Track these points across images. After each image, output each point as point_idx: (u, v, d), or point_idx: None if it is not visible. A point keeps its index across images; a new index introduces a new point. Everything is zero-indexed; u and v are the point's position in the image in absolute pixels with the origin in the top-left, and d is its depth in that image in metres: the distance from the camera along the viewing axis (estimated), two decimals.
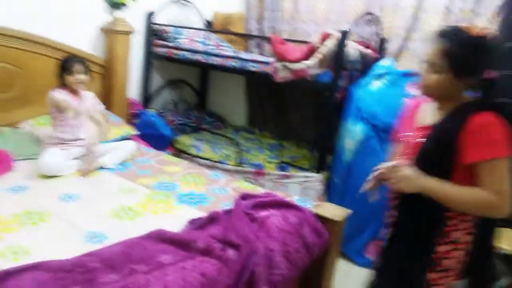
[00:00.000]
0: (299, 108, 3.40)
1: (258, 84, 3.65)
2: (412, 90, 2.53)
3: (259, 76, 2.87)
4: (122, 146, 2.49)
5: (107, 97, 3.03)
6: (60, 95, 2.23)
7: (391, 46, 2.94)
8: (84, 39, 2.90)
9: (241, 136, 3.64)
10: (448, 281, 1.30)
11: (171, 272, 1.35)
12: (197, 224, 1.69)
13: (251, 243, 1.53)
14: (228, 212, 1.79)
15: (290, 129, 3.53)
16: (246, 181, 2.80)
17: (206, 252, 1.48)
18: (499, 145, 1.16)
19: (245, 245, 1.50)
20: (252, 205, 1.89)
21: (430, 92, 1.28)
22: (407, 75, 2.65)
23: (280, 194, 2.18)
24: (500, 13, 2.45)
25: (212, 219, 1.72)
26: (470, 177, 1.20)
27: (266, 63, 2.70)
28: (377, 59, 2.82)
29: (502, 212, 1.18)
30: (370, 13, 2.90)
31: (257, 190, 2.26)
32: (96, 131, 2.37)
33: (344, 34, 2.39)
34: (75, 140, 2.34)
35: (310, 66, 2.44)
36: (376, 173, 1.35)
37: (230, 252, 1.49)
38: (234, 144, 3.08)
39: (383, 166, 1.31)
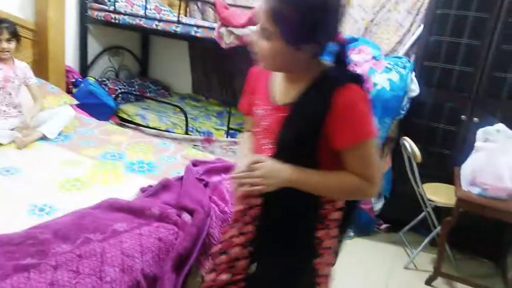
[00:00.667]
0: (244, 74, 3.40)
1: (202, 50, 3.59)
2: (353, 55, 2.63)
3: (203, 42, 2.82)
4: (58, 112, 2.37)
5: (41, 64, 2.83)
6: None
7: None
8: (11, 0, 2.66)
9: (187, 104, 3.59)
10: (329, 259, 1.14)
11: (127, 239, 1.35)
12: (150, 192, 1.69)
13: (205, 208, 1.56)
14: (180, 179, 1.80)
15: (238, 96, 3.54)
16: (196, 149, 2.81)
17: (162, 218, 1.49)
18: (368, 125, 0.99)
19: (200, 209, 1.53)
20: (204, 171, 1.91)
21: (268, 63, 1.02)
22: (347, 41, 2.74)
23: (230, 160, 2.21)
24: None
25: (164, 186, 1.72)
26: (337, 161, 1.01)
27: (211, 28, 2.65)
28: None
29: (372, 196, 1.11)
30: None
31: (208, 156, 2.28)
32: (31, 106, 2.25)
33: None
34: (3, 106, 2.20)
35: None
36: (235, 182, 1.07)
37: (186, 217, 1.52)
38: (181, 112, 3.04)
39: (238, 171, 1.05)
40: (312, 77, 1.01)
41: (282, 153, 1.03)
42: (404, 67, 2.51)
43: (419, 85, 2.49)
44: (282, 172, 0.99)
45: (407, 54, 2.79)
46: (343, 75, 1.00)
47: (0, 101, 2.19)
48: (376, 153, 1.02)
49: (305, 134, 1.00)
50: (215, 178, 1.87)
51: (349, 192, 1.04)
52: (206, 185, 1.78)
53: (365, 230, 2.72)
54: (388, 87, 2.44)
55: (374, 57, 2.59)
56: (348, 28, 3.00)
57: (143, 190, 1.73)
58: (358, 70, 2.53)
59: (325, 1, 0.94)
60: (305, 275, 1.12)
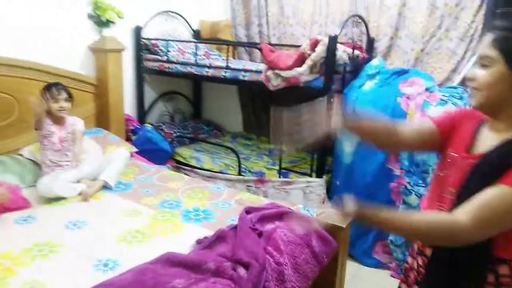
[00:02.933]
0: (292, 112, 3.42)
1: (251, 90, 3.67)
2: (405, 88, 2.56)
3: (252, 85, 2.89)
4: (113, 157, 2.51)
5: (103, 116, 3.04)
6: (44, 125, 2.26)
7: (380, 45, 2.97)
8: (73, 60, 2.90)
9: (239, 142, 3.66)
10: None
11: None
12: (205, 244, 1.71)
13: (260, 260, 1.56)
14: (234, 228, 1.81)
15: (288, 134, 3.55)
16: (249, 190, 2.84)
17: (218, 272, 1.50)
18: None
19: (255, 263, 1.53)
20: (258, 219, 1.91)
21: (481, 96, 1.00)
22: (398, 73, 2.68)
23: (283, 203, 2.20)
24: (484, 6, 2.48)
25: (219, 237, 1.74)
26: None
27: (258, 71, 2.71)
28: (367, 60, 2.85)
29: (457, 242, 0.97)
30: (356, 15, 2.92)
31: (261, 200, 2.29)
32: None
33: (333, 40, 2.41)
34: (64, 161, 2.36)
35: (302, 73, 2.47)
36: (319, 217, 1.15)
37: (241, 271, 1.52)
38: (233, 153, 3.10)
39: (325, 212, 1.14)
40: None
41: (461, 199, 0.98)
42: (461, 98, 2.40)
43: None
44: (364, 216, 1.01)
45: (463, 83, 2.67)
46: None
47: (61, 158, 2.36)
48: (506, 211, 0.92)
49: (487, 184, 0.95)
50: (268, 226, 1.86)
51: (437, 231, 0.97)
52: (260, 234, 1.78)
53: None
54: None
55: (427, 89, 2.51)
56: (397, 59, 2.95)
57: (199, 242, 1.76)
58: (412, 104, 2.46)
59: None
60: None
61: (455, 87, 2.55)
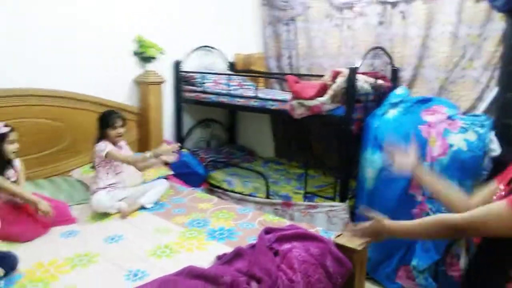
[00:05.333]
0: (321, 139, 3.56)
1: (282, 117, 3.84)
2: (427, 116, 2.63)
3: (278, 113, 3.07)
4: (155, 185, 2.75)
5: (145, 142, 3.33)
6: (109, 148, 2.52)
7: (404, 75, 3.06)
8: (119, 92, 3.24)
9: (270, 167, 3.82)
10: None
11: None
12: (225, 260, 1.86)
13: (272, 276, 1.68)
14: (252, 247, 1.95)
15: (316, 159, 3.68)
16: (276, 212, 2.97)
17: (232, 286, 1.64)
18: None
19: (267, 278, 1.66)
20: (276, 239, 2.04)
21: None
22: (421, 101, 2.76)
23: (304, 225, 2.32)
24: (505, 36, 2.53)
25: (238, 254, 1.89)
26: None
27: (284, 101, 2.89)
28: (391, 89, 2.95)
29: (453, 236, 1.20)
30: (379, 47, 3.05)
31: (283, 222, 2.41)
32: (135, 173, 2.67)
33: (353, 71, 2.55)
34: (119, 183, 2.62)
35: (324, 102, 2.61)
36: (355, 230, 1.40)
37: (254, 285, 1.65)
38: (262, 177, 3.26)
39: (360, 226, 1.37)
40: None
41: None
42: (482, 126, 2.43)
43: (500, 144, 2.38)
44: (385, 230, 1.26)
45: (488, 111, 2.68)
46: None
47: (117, 179, 2.62)
48: (489, 215, 1.09)
49: None
50: (285, 246, 1.98)
51: (439, 229, 1.17)
52: (276, 253, 1.91)
53: None
54: (465, 148, 2.38)
55: (449, 117, 2.56)
56: (421, 88, 3.01)
57: (219, 257, 1.92)
58: (433, 131, 2.52)
59: None
60: None
61: (477, 115, 2.58)
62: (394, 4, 3.05)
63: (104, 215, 2.45)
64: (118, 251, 2.04)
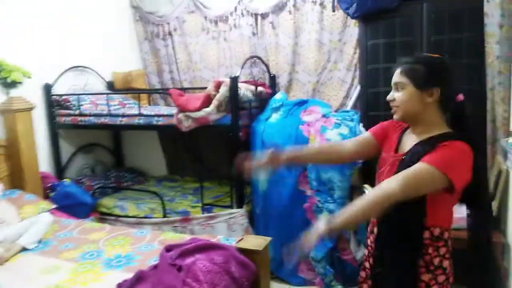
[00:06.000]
0: (212, 149, 3.60)
1: (170, 134, 3.79)
2: (305, 116, 2.84)
3: (166, 128, 3.02)
4: (36, 221, 2.45)
5: (17, 176, 2.96)
6: None
7: (281, 81, 3.29)
8: None
9: (164, 186, 3.72)
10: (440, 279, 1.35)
11: None
12: (126, 286, 1.75)
13: None
14: (154, 268, 1.87)
15: (210, 170, 3.69)
16: (175, 230, 2.90)
17: None
18: (440, 159, 1.23)
19: None
20: (178, 254, 1.99)
21: (400, 110, 1.36)
22: (299, 103, 2.98)
23: (205, 237, 2.30)
24: (360, 40, 2.88)
25: (140, 278, 1.79)
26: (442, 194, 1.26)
27: (170, 115, 2.85)
28: (271, 94, 3.13)
29: (391, 190, 1.25)
30: (255, 56, 3.22)
31: (183, 237, 2.36)
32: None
33: (234, 80, 2.64)
34: None
35: (210, 112, 2.66)
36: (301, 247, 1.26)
37: None
38: (157, 196, 3.16)
39: (304, 240, 1.26)
40: (433, 135, 1.32)
41: None
42: (352, 120, 2.72)
43: None
44: (335, 224, 1.25)
45: (355, 106, 3.02)
46: (456, 136, 1.29)
47: None
48: (422, 179, 1.24)
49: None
50: (188, 260, 1.94)
51: (380, 202, 1.25)
52: (180, 268, 1.86)
53: (351, 280, 2.76)
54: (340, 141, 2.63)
55: (324, 115, 2.81)
56: (297, 92, 3.26)
57: (119, 285, 1.80)
58: (312, 130, 2.73)
59: (435, 60, 1.34)
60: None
61: (347, 111, 2.89)
62: (264, 16, 3.26)
63: None
64: None
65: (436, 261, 1.34)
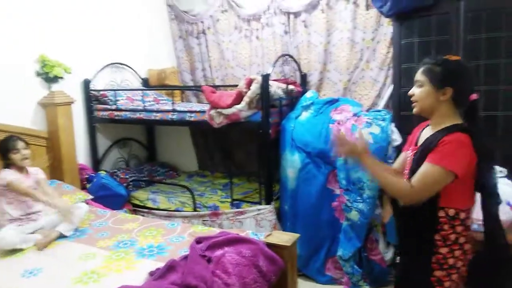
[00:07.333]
0: (242, 146, 3.65)
1: (202, 129, 3.87)
2: (335, 115, 2.84)
3: (198, 124, 3.08)
4: (73, 211, 2.57)
5: (57, 167, 3.11)
6: (11, 177, 2.32)
7: (312, 79, 3.29)
8: (25, 116, 3.01)
9: (195, 180, 3.80)
10: (453, 278, 1.47)
11: None
12: (158, 274, 1.82)
13: (208, 283, 1.68)
14: (185, 258, 1.93)
15: (239, 166, 3.75)
16: (204, 224, 2.96)
17: None
18: (445, 157, 1.38)
19: (203, 285, 1.65)
20: (207, 247, 2.04)
21: (419, 105, 1.53)
22: (329, 102, 2.97)
23: (234, 231, 2.35)
24: (393, 39, 2.85)
25: (171, 267, 1.85)
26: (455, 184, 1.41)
27: (203, 111, 2.92)
28: (301, 93, 3.14)
29: (405, 198, 1.49)
30: (286, 54, 3.24)
31: (212, 231, 2.42)
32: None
33: (265, 77, 2.68)
34: (27, 215, 2.41)
35: (241, 109, 2.70)
36: (338, 134, 1.65)
37: None
38: (188, 191, 3.23)
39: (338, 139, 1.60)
40: (446, 126, 1.46)
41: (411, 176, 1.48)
42: (384, 119, 2.69)
43: (400, 134, 2.66)
44: (364, 158, 1.53)
45: (387, 106, 2.98)
46: (458, 128, 1.43)
47: (22, 209, 2.42)
48: (434, 180, 1.40)
49: (422, 159, 1.44)
50: (217, 252, 1.99)
51: (394, 189, 1.48)
52: (209, 260, 1.91)
53: (379, 280, 2.74)
54: (372, 140, 2.61)
55: (355, 114, 2.80)
56: (328, 90, 3.25)
57: (151, 273, 1.87)
58: (342, 128, 2.72)
59: (452, 63, 1.49)
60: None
61: (378, 111, 2.86)
62: (296, 14, 3.27)
63: (17, 250, 2.24)
64: (39, 284, 1.88)
65: (453, 237, 1.46)
